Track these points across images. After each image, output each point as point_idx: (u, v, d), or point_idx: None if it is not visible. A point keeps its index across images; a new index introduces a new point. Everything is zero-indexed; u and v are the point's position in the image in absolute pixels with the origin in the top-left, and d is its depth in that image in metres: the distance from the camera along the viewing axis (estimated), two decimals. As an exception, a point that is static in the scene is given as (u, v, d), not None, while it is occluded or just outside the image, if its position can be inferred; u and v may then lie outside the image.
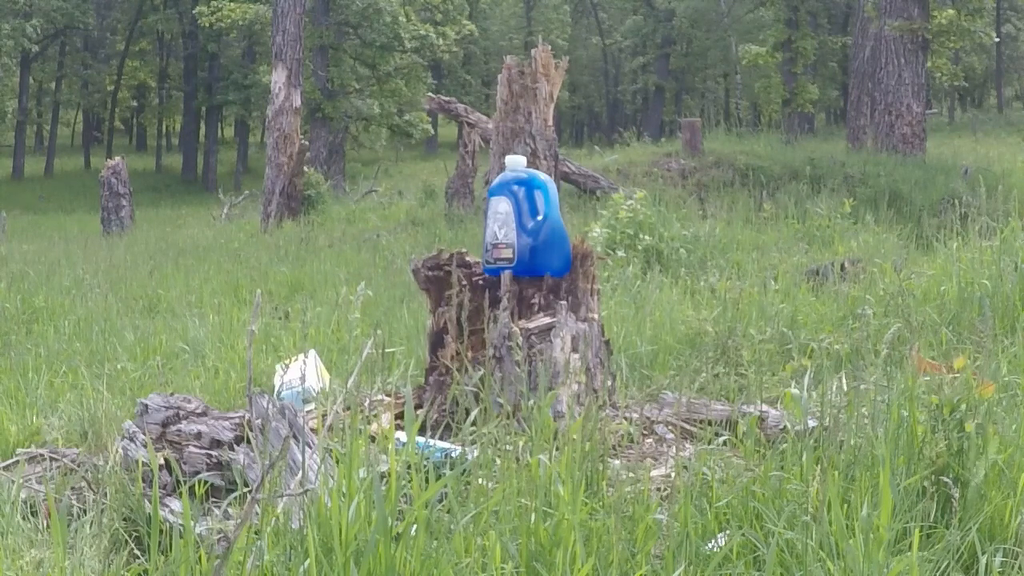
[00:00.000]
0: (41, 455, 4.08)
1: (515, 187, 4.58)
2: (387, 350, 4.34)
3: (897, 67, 20.12)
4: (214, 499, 3.50)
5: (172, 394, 3.93)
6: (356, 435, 3.12)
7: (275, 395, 4.26)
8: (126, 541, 3.32)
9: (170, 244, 15.23)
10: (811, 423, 3.58)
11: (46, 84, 54.32)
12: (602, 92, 59.65)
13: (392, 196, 21.03)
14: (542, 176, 4.73)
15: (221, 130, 52.98)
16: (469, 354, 4.35)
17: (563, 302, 4.50)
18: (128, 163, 21.53)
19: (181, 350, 6.78)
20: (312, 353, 5.11)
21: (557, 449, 3.39)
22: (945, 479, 3.21)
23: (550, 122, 10.14)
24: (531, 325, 4.44)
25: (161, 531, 3.12)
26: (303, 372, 4.91)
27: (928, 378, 3.70)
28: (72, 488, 3.73)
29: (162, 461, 3.52)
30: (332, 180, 26.68)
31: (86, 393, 5.23)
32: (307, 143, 20.81)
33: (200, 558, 2.85)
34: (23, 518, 3.42)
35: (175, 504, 3.37)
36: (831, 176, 15.33)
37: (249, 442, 3.59)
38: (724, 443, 3.86)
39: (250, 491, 3.05)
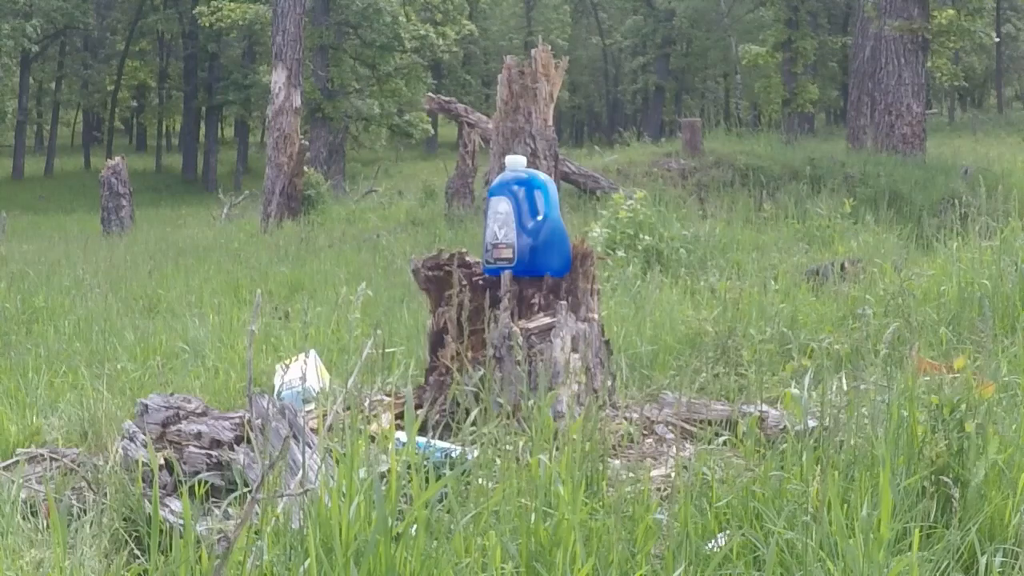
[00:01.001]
0: (41, 455, 4.08)
1: (515, 187, 4.58)
2: (387, 350, 4.34)
3: (897, 67, 20.11)
4: (214, 499, 3.50)
5: (172, 394, 3.93)
6: (356, 435, 3.12)
7: (275, 395, 4.26)
8: (126, 541, 3.32)
9: (170, 244, 15.23)
10: (811, 423, 3.58)
11: (46, 84, 54.30)
12: (602, 92, 59.62)
13: (392, 196, 21.02)
14: (542, 176, 4.73)
15: (221, 130, 52.97)
16: (469, 354, 4.36)
17: (563, 302, 4.50)
18: (128, 163, 21.51)
19: (181, 350, 6.78)
20: (312, 353, 5.11)
21: (557, 449, 3.39)
22: (945, 479, 3.21)
23: (550, 122, 10.14)
24: (531, 325, 4.44)
25: (161, 531, 3.12)
26: (303, 372, 4.91)
27: (928, 378, 3.70)
28: (72, 488, 3.73)
29: (162, 461, 3.53)
30: (332, 180, 26.66)
31: (86, 393, 5.23)
32: (307, 143, 20.79)
33: (200, 558, 2.85)
34: (23, 518, 3.43)
35: (175, 504, 3.37)
36: (831, 176, 15.32)
37: (249, 442, 3.59)
38: (724, 443, 3.86)
39: (250, 491, 3.05)
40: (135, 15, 49.53)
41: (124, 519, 3.41)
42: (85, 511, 3.41)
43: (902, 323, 4.90)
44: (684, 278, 7.92)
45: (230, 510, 3.34)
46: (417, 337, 5.90)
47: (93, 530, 3.26)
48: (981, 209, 7.17)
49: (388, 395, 4.60)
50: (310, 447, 3.68)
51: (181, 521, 3.14)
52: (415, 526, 2.87)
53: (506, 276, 4.55)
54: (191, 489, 3.33)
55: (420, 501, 2.89)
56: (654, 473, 3.82)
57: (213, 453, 3.61)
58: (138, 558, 3.24)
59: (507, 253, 4.55)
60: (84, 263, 11.69)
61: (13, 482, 3.54)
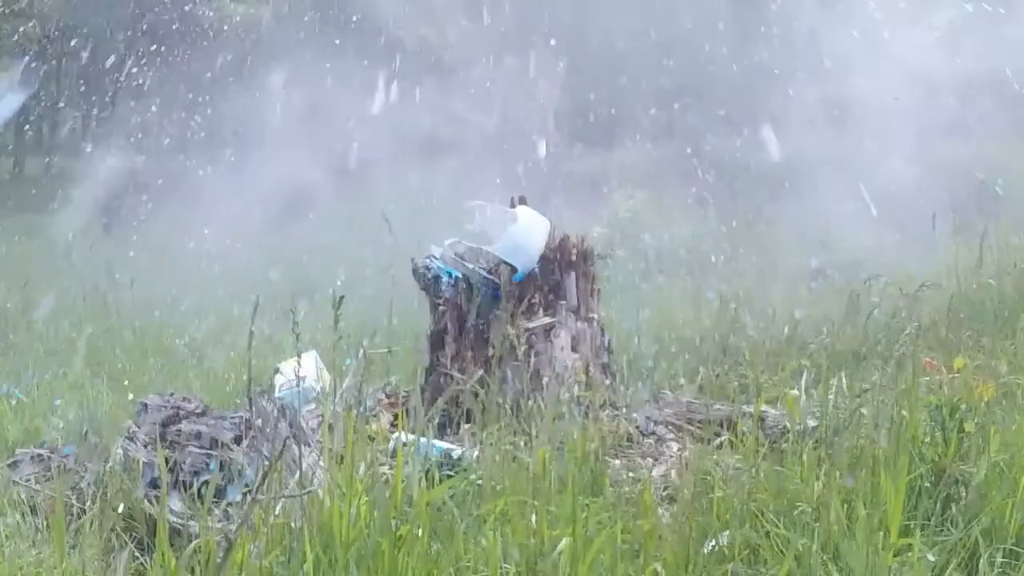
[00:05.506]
0: (41, 455, 4.08)
1: None
2: (387, 350, 4.34)
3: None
4: (214, 499, 3.49)
5: (172, 394, 3.92)
6: (356, 435, 3.12)
7: (275, 395, 4.26)
8: (126, 541, 3.31)
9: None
10: (811, 423, 3.58)
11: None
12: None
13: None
14: None
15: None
16: (469, 354, 4.36)
17: (563, 302, 4.50)
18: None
19: (181, 350, 6.78)
20: (313, 353, 5.11)
21: (557, 449, 3.38)
22: (946, 479, 3.21)
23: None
24: (531, 325, 4.43)
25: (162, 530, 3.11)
26: (303, 372, 4.90)
27: (929, 378, 3.70)
28: (72, 488, 3.72)
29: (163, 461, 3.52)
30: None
31: (86, 393, 5.23)
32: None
33: (201, 558, 2.84)
34: (23, 518, 3.42)
35: (175, 504, 3.36)
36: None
37: (249, 442, 3.58)
38: (724, 443, 3.85)
39: (249, 491, 3.05)
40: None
41: (124, 519, 3.40)
42: (85, 511, 3.41)
43: (904, 323, 4.90)
44: (684, 278, 7.92)
45: (230, 510, 3.34)
46: (417, 338, 5.89)
47: (93, 530, 3.26)
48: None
49: (388, 395, 4.60)
50: (310, 447, 3.68)
51: (181, 521, 3.14)
52: (417, 527, 2.86)
53: (506, 275, 4.54)
54: (190, 488, 3.33)
55: (423, 502, 2.88)
56: (654, 473, 3.81)
57: (213, 453, 3.60)
58: (138, 558, 3.23)
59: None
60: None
61: (13, 482, 3.54)
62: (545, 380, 4.20)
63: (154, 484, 3.38)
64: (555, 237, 4.69)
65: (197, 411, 3.76)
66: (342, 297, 3.27)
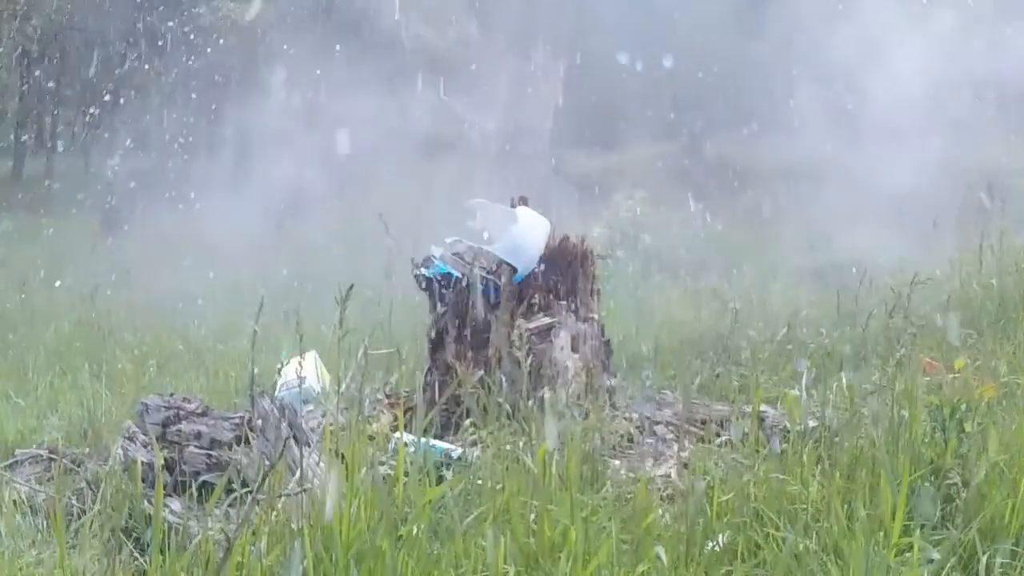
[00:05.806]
0: (41, 455, 4.08)
1: None
2: (387, 350, 4.35)
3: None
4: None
5: (172, 394, 3.92)
6: (357, 436, 3.12)
7: (275, 395, 4.26)
8: (125, 541, 3.31)
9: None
10: (811, 423, 3.58)
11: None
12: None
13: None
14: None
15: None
16: (469, 354, 4.36)
17: (563, 302, 4.50)
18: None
19: (181, 351, 6.78)
20: (312, 353, 5.11)
21: (558, 449, 3.38)
22: (946, 478, 3.21)
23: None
24: (531, 325, 4.43)
25: (161, 531, 3.11)
26: (303, 372, 4.90)
27: (929, 378, 3.70)
28: (72, 488, 3.73)
29: (161, 461, 3.52)
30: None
31: (86, 393, 5.23)
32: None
33: (201, 558, 2.84)
34: (23, 518, 3.42)
35: (175, 504, 3.36)
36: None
37: (248, 442, 3.58)
38: (724, 443, 3.85)
39: (250, 491, 3.05)
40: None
41: (125, 519, 3.40)
42: (85, 511, 3.41)
43: (904, 323, 4.90)
44: (684, 278, 7.93)
45: (230, 510, 3.33)
46: (417, 337, 5.89)
47: (93, 530, 3.26)
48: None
49: (388, 396, 4.60)
50: (310, 447, 3.68)
51: (181, 521, 3.14)
52: (418, 527, 2.86)
53: (506, 275, 4.54)
54: (192, 488, 3.33)
55: (424, 502, 2.88)
56: (654, 473, 3.81)
57: (213, 453, 3.60)
58: (137, 559, 3.23)
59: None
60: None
61: (14, 482, 3.54)
62: (545, 380, 4.20)
63: (154, 484, 3.38)
64: (555, 237, 4.70)
65: (197, 411, 3.76)
66: (351, 287, 3.25)
